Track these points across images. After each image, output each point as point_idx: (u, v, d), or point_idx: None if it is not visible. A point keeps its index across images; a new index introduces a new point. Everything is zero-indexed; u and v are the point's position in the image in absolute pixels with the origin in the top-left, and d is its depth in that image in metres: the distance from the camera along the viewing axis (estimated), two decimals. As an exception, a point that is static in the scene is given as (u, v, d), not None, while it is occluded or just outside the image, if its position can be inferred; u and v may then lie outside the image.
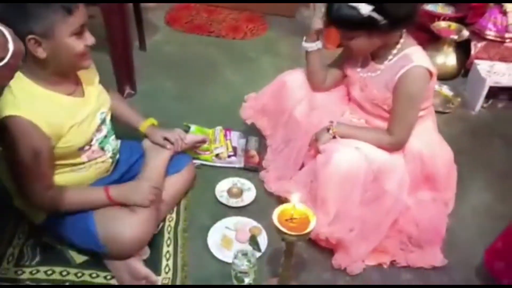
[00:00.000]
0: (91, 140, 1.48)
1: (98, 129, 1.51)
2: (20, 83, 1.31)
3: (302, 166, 1.78)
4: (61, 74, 1.38)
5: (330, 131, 1.65)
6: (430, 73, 1.56)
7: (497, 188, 2.04)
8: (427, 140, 1.67)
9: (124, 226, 1.46)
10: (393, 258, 1.67)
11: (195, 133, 2.07)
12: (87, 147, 1.47)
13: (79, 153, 1.46)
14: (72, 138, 1.40)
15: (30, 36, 1.22)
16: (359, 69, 1.72)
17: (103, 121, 1.53)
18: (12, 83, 1.31)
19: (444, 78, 2.66)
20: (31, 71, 1.32)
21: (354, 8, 1.47)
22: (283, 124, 1.89)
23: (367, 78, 1.68)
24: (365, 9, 1.47)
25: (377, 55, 1.66)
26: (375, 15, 1.48)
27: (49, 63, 1.31)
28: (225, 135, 2.12)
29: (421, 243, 1.67)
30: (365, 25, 1.50)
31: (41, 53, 1.27)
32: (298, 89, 1.85)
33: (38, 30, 1.24)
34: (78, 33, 1.30)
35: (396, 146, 1.63)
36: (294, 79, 1.87)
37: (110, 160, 1.58)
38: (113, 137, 1.61)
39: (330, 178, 1.55)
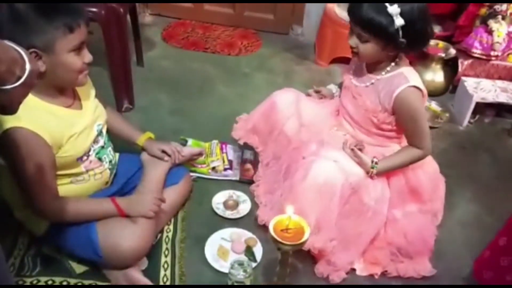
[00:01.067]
0: (89, 150, 1.52)
1: (95, 140, 1.55)
2: None
3: None
4: (58, 87, 1.42)
5: (372, 171, 1.63)
6: (422, 94, 1.62)
7: (484, 200, 2.10)
8: None
9: (123, 236, 1.49)
10: (384, 269, 1.71)
11: (192, 146, 2.11)
12: (85, 158, 1.50)
13: (78, 163, 1.49)
14: (70, 148, 1.43)
15: (31, 50, 1.27)
16: (351, 77, 1.75)
17: (99, 133, 1.57)
18: None
19: (432, 94, 2.73)
20: None
21: (389, 16, 1.48)
22: (273, 141, 1.92)
23: (360, 87, 1.71)
24: (399, 22, 1.48)
25: (373, 67, 1.68)
26: (401, 31, 1.50)
27: (47, 76, 1.34)
28: (221, 149, 2.16)
29: (410, 253, 1.71)
30: (387, 35, 1.51)
31: (40, 66, 1.29)
32: (287, 107, 1.88)
33: (39, 44, 1.28)
34: (77, 50, 1.35)
35: (427, 155, 1.68)
36: (284, 98, 1.91)
37: (109, 172, 1.62)
38: (110, 148, 1.64)
39: (307, 190, 1.58)
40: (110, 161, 1.63)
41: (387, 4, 1.47)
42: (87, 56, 1.39)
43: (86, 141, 1.50)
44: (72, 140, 1.43)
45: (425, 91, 1.62)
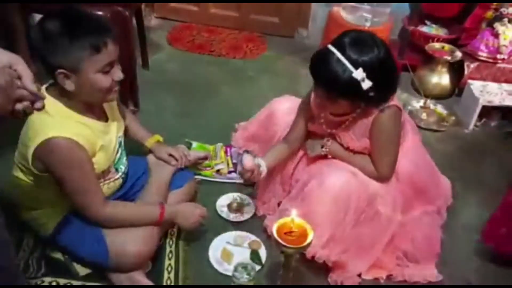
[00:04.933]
0: (113, 162, 1.54)
1: (117, 151, 1.56)
2: (55, 107, 1.36)
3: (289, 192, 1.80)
4: (88, 104, 1.43)
5: (324, 149, 1.68)
6: (400, 109, 1.59)
7: (490, 204, 2.06)
8: (412, 157, 1.71)
9: (129, 240, 1.50)
10: (389, 273, 1.70)
11: (196, 149, 2.11)
12: (106, 170, 1.52)
13: (100, 175, 1.50)
14: (99, 159, 1.45)
15: (59, 70, 1.29)
16: (324, 126, 1.69)
17: (120, 144, 1.59)
18: (47, 106, 1.36)
19: (438, 97, 2.73)
20: (62, 98, 1.37)
21: (356, 80, 1.43)
22: None
23: (338, 132, 1.67)
24: (366, 85, 1.43)
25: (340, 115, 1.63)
26: (368, 85, 1.44)
27: (77, 95, 1.36)
28: (226, 152, 2.16)
29: (417, 258, 1.70)
30: (356, 96, 1.48)
31: (69, 85, 1.32)
32: (285, 115, 1.88)
33: (67, 65, 1.29)
34: (106, 70, 1.35)
35: (378, 180, 1.63)
36: (282, 107, 1.92)
37: (121, 180, 1.62)
38: (125, 158, 1.65)
39: (322, 201, 1.57)
40: (124, 169, 1.64)
41: (352, 70, 1.42)
42: (117, 74, 1.39)
43: (112, 154, 1.52)
44: (102, 151, 1.45)
45: (400, 106, 1.59)
